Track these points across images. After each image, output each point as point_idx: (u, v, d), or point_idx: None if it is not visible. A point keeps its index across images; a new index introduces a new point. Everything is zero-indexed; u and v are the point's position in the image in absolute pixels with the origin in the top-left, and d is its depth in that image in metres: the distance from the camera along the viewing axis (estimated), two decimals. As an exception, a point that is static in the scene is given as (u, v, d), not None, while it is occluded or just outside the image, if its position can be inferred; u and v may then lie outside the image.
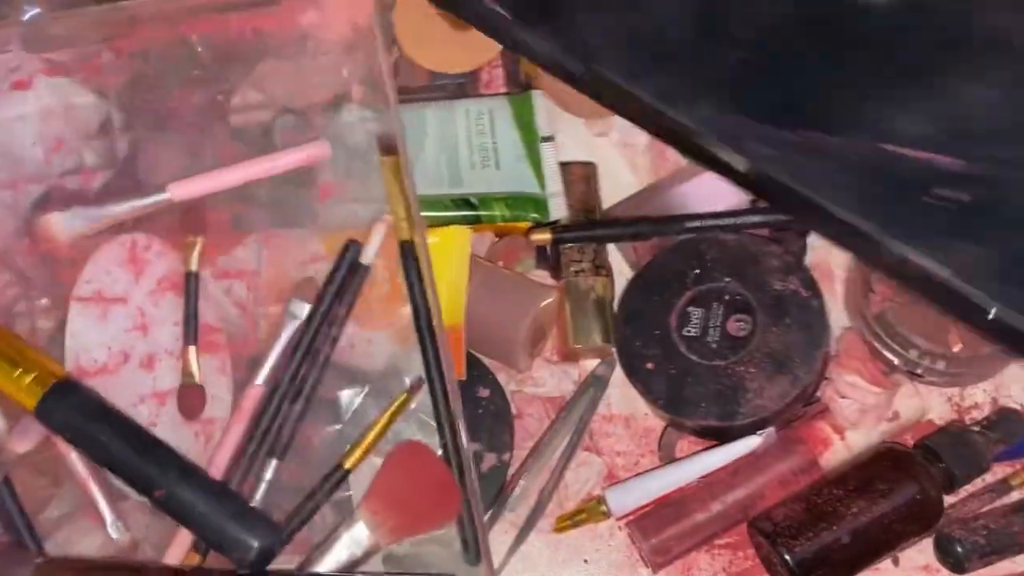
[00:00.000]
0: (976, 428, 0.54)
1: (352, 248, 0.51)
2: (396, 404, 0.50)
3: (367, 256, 0.51)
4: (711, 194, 0.57)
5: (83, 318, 0.50)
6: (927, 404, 0.55)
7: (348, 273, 0.51)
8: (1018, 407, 0.56)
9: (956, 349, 0.53)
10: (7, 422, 0.49)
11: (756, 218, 0.56)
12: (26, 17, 0.56)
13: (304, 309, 0.51)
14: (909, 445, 0.54)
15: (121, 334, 0.50)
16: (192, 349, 0.50)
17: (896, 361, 0.54)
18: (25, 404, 0.46)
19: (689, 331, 0.54)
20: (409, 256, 0.50)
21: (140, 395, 0.50)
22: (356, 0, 0.53)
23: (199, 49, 0.53)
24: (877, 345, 0.55)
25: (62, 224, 0.50)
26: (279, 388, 0.50)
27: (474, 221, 0.57)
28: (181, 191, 0.50)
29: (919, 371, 0.54)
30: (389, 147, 0.52)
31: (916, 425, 0.55)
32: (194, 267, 0.51)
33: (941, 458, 0.52)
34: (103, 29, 0.52)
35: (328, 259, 0.52)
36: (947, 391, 0.57)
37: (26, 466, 0.49)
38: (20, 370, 0.46)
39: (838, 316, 0.57)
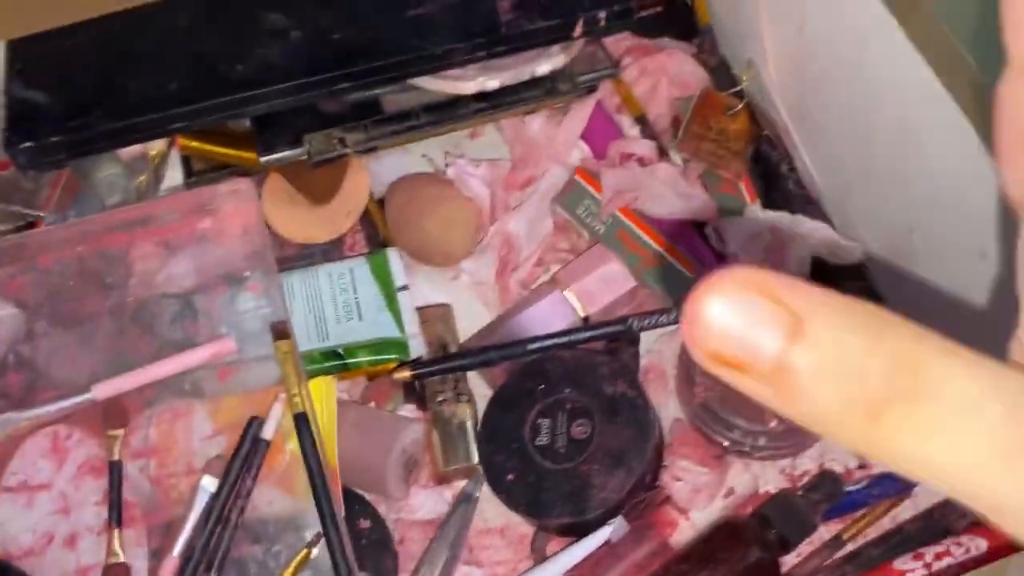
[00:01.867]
0: (800, 493, 0.61)
1: (254, 424, 0.57)
2: (297, 560, 0.55)
3: (267, 431, 0.57)
4: (547, 317, 0.66)
5: (10, 506, 0.56)
6: (761, 477, 0.62)
7: (251, 448, 0.57)
8: (841, 468, 0.64)
9: (772, 425, 0.61)
10: None
11: (586, 334, 0.64)
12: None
13: (213, 484, 0.56)
14: (746, 516, 0.61)
15: (45, 517, 0.56)
16: (117, 532, 0.55)
17: (725, 443, 0.62)
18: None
19: (541, 440, 0.61)
20: (304, 426, 0.57)
21: (64, 572, 0.55)
22: (244, 208, 0.62)
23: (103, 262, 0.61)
24: (706, 431, 0.62)
25: (-4, 428, 0.57)
26: (193, 558, 0.55)
27: (343, 369, 0.64)
28: (104, 390, 0.57)
29: (747, 449, 0.62)
30: (281, 332, 0.59)
31: (752, 497, 0.62)
32: (116, 456, 0.57)
33: (772, 523, 0.59)
34: (17, 252, 0.59)
35: (224, 431, 0.58)
36: (780, 463, 0.64)
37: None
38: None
39: (673, 409, 0.65)
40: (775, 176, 0.72)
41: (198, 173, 0.74)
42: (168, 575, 0.55)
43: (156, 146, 0.73)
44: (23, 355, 0.59)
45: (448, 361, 0.64)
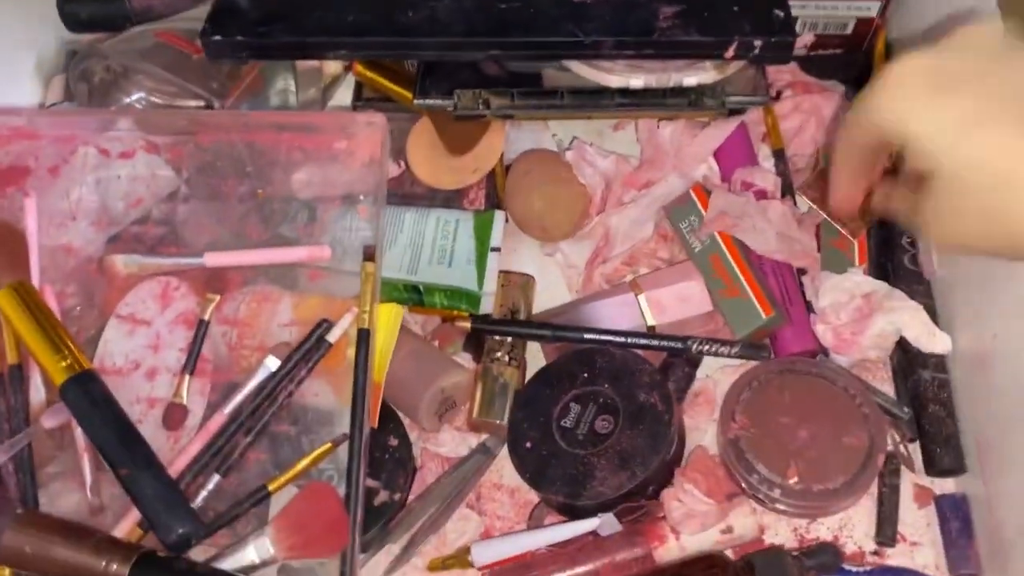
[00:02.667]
0: (795, 554, 0.60)
1: (323, 326, 0.65)
2: (320, 451, 0.62)
3: (333, 335, 0.64)
4: (614, 314, 0.68)
5: (116, 331, 0.67)
6: (772, 528, 0.63)
7: (315, 345, 0.64)
8: (855, 548, 0.62)
9: (791, 481, 0.61)
10: (46, 395, 0.65)
11: (642, 341, 0.66)
12: (133, 98, 0.76)
13: (275, 364, 0.64)
14: (734, 558, 0.62)
15: (138, 348, 0.66)
16: (187, 377, 0.65)
17: (743, 484, 0.62)
18: (56, 381, 0.62)
19: (565, 422, 0.64)
20: (363, 342, 0.64)
21: (138, 396, 0.65)
22: (374, 137, 0.69)
23: (249, 153, 0.70)
24: (728, 467, 0.63)
25: (122, 263, 0.68)
26: (238, 420, 0.63)
27: (417, 303, 0.70)
28: (213, 260, 0.67)
29: (761, 496, 0.62)
30: (369, 255, 0.66)
31: (751, 543, 0.62)
32: (207, 317, 0.66)
33: (755, 572, 0.59)
34: (187, 125, 0.70)
35: (300, 324, 0.66)
36: (794, 521, 0.64)
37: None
38: (60, 355, 0.62)
39: (710, 437, 0.66)
40: (893, 246, 0.70)
41: (366, 100, 0.82)
42: (214, 426, 0.63)
43: (332, 68, 0.82)
44: (165, 213, 0.69)
45: (506, 326, 0.68)
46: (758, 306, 0.67)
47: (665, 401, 0.63)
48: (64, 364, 0.61)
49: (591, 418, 0.64)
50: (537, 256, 0.75)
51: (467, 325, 0.68)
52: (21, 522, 0.57)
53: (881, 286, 0.67)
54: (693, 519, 0.60)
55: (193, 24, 0.76)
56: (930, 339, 0.64)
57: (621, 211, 0.73)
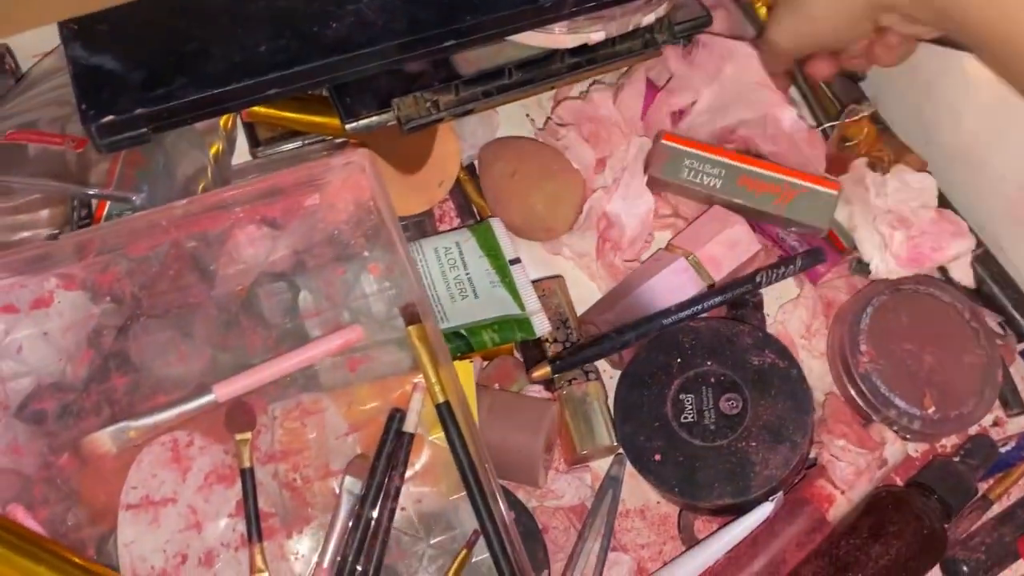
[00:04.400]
0: (957, 459, 0.59)
1: (396, 418, 0.52)
2: (457, 562, 0.51)
3: (410, 424, 0.52)
4: (672, 287, 0.62)
5: (134, 525, 0.50)
6: (907, 444, 0.61)
7: (396, 443, 0.52)
8: (975, 429, 0.62)
9: (930, 411, 0.58)
10: None
11: (718, 298, 0.61)
12: (16, 237, 0.57)
13: (358, 485, 0.51)
14: (899, 484, 0.59)
15: (176, 535, 0.50)
16: (259, 546, 0.50)
17: (875, 417, 0.59)
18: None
19: (686, 417, 0.58)
20: (448, 417, 0.52)
21: (200, 593, 0.50)
22: (355, 181, 0.56)
23: (203, 246, 0.55)
24: (860, 402, 0.59)
25: (109, 440, 0.51)
26: (347, 569, 0.49)
27: (467, 351, 0.60)
28: (226, 390, 0.51)
29: (896, 429, 0.59)
30: (412, 316, 0.54)
31: (903, 463, 0.60)
32: (247, 464, 0.51)
33: (935, 492, 0.57)
34: (106, 243, 0.53)
35: (362, 427, 0.53)
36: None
37: None
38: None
39: (813, 382, 0.62)
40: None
41: (265, 142, 0.68)
42: (320, 587, 0.50)
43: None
44: (123, 355, 0.53)
45: (585, 350, 0.60)
46: (825, 189, 0.62)
47: (782, 354, 0.58)
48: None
49: (712, 403, 0.58)
50: (545, 257, 0.67)
51: (546, 372, 0.59)
52: None
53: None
54: (861, 476, 0.57)
55: (39, 114, 0.59)
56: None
57: (610, 195, 0.66)
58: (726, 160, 0.63)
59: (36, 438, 0.51)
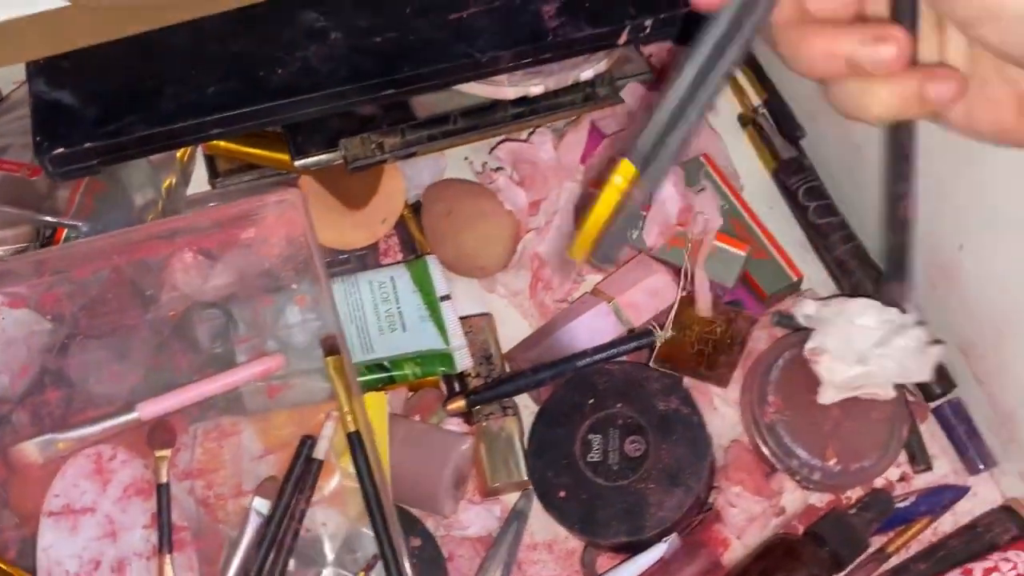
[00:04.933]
0: (853, 511, 0.61)
1: (307, 445, 0.56)
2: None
3: (320, 451, 0.56)
4: (592, 330, 0.65)
5: (54, 531, 0.54)
6: (808, 494, 0.63)
7: (304, 468, 0.55)
8: (882, 482, 0.64)
9: (831, 463, 0.60)
10: None
11: (633, 344, 0.64)
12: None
13: (266, 506, 0.54)
14: (798, 531, 0.61)
15: (91, 543, 0.54)
16: (168, 557, 0.53)
17: (779, 467, 0.61)
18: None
19: (592, 457, 0.60)
20: (357, 446, 0.55)
21: (111, 600, 0.53)
22: (289, 217, 0.60)
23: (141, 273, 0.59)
24: (764, 451, 0.62)
25: (36, 451, 0.55)
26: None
27: (388, 382, 0.63)
28: (149, 410, 0.55)
29: (799, 479, 0.61)
30: (332, 347, 0.57)
31: (802, 513, 0.62)
32: (164, 479, 0.54)
33: (826, 542, 0.59)
34: (53, 265, 0.57)
35: (275, 451, 0.56)
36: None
37: None
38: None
39: (724, 429, 0.64)
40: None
41: (224, 174, 0.72)
42: (222, 602, 0.53)
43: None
44: (59, 371, 0.57)
45: (500, 386, 0.63)
46: (734, 249, 0.65)
47: (686, 402, 0.61)
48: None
49: (618, 444, 0.60)
50: (479, 294, 0.70)
51: (460, 405, 0.62)
52: None
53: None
54: (754, 522, 0.59)
55: (12, 140, 0.63)
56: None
57: (542, 235, 0.69)
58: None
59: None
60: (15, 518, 0.54)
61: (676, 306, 0.63)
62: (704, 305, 0.63)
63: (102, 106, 0.60)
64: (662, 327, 0.63)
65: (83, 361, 0.57)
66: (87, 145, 0.59)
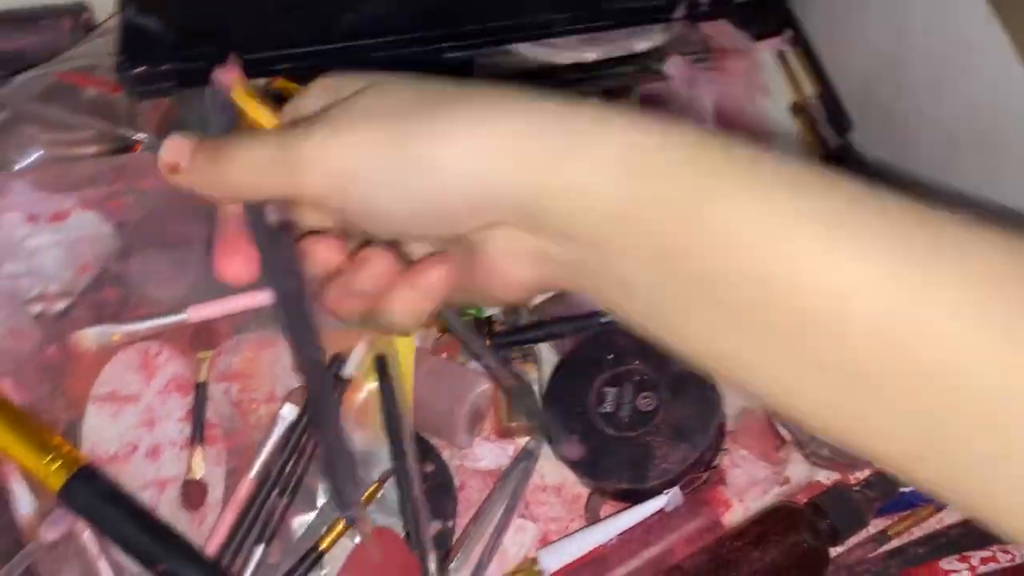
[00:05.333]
0: (857, 488, 0.62)
1: (336, 363, 0.60)
2: (368, 492, 0.58)
3: (348, 370, 0.59)
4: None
5: (98, 415, 0.59)
6: (815, 469, 0.64)
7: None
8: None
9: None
10: (36, 505, 0.56)
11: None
12: (30, 160, 0.67)
13: (293, 413, 0.58)
14: (800, 503, 0.63)
15: (131, 428, 0.58)
16: (199, 449, 0.58)
17: (787, 439, 0.63)
18: (51, 486, 0.53)
19: (605, 408, 0.63)
20: (384, 370, 0.59)
21: (144, 482, 0.58)
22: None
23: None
24: (775, 420, 0.63)
25: (92, 339, 0.59)
26: (269, 481, 0.57)
27: (420, 320, 0.66)
28: (197, 313, 0.59)
29: (807, 452, 0.63)
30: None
31: (806, 487, 0.63)
32: (203, 378, 0.59)
33: (826, 514, 0.60)
34: (119, 173, 0.62)
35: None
36: (835, 455, 0.65)
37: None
38: (48, 455, 0.53)
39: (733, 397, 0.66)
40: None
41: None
42: (244, 494, 0.57)
43: (258, 82, 0.75)
44: (119, 273, 0.62)
45: (523, 333, 0.66)
46: None
47: (702, 366, 0.63)
48: (56, 465, 0.53)
49: (630, 398, 0.63)
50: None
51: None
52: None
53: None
54: (755, 486, 0.61)
55: (100, 61, 0.68)
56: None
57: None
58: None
59: (36, 328, 0.60)
60: (65, 401, 0.59)
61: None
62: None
63: (182, 34, 0.65)
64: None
65: (142, 266, 0.62)
66: (164, 67, 0.63)
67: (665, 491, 0.61)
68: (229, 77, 0.34)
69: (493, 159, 0.29)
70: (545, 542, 0.63)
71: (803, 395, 0.28)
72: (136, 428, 0.58)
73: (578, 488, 0.65)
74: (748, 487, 0.60)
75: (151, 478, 0.57)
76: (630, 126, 0.28)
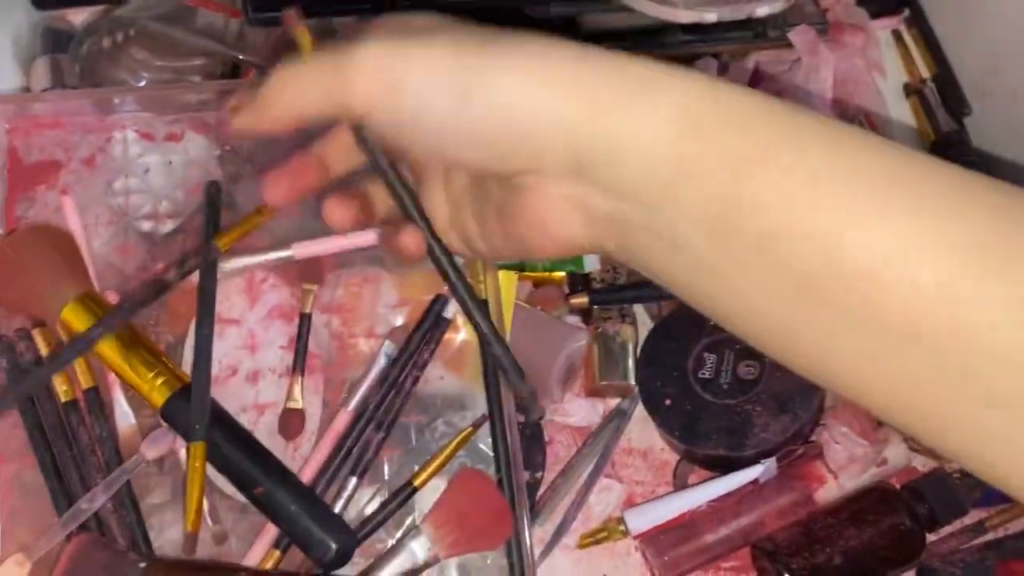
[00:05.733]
0: (957, 475, 0.60)
1: (439, 302, 0.59)
2: (461, 436, 0.57)
3: (450, 311, 0.59)
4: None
5: (202, 336, 0.58)
6: (912, 454, 0.62)
7: (433, 324, 0.59)
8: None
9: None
10: (135, 419, 0.56)
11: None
12: (143, 81, 0.67)
13: (393, 350, 0.58)
14: (899, 486, 0.61)
15: (232, 351, 0.58)
16: (300, 379, 0.57)
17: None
18: (154, 403, 0.53)
19: (704, 374, 0.62)
20: (484, 313, 0.58)
21: (243, 405, 0.57)
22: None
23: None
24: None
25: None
26: (365, 416, 0.56)
27: (519, 270, 0.65)
28: (303, 251, 0.59)
29: (905, 436, 0.61)
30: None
31: (904, 471, 0.62)
32: (308, 310, 0.58)
33: (925, 499, 0.59)
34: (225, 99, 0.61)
35: (409, 304, 0.60)
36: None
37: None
38: (154, 372, 0.53)
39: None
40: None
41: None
42: (341, 426, 0.57)
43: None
44: (230, 196, 0.61)
45: (621, 292, 0.65)
46: None
47: (807, 338, 0.61)
48: (161, 381, 0.54)
49: (731, 366, 0.61)
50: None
51: (583, 301, 0.64)
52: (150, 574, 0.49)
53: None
54: (854, 463, 0.59)
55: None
56: None
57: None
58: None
59: (142, 245, 0.60)
60: (169, 318, 0.59)
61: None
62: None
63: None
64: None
65: (251, 193, 0.61)
66: (286, -4, 0.63)
67: (760, 462, 0.59)
68: (291, 17, 0.34)
69: (548, 94, 0.28)
70: (630, 503, 0.63)
71: (846, 362, 0.28)
72: (238, 351, 0.58)
73: (666, 454, 0.64)
74: (846, 464, 0.59)
75: (250, 402, 0.57)
76: (688, 79, 0.28)
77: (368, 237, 0.61)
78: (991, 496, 0.61)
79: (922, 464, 0.63)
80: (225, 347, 0.58)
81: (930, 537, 0.60)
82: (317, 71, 0.31)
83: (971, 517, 0.61)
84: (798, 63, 0.72)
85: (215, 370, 0.57)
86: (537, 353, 0.62)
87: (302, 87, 0.32)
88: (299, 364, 0.57)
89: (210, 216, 0.59)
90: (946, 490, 0.59)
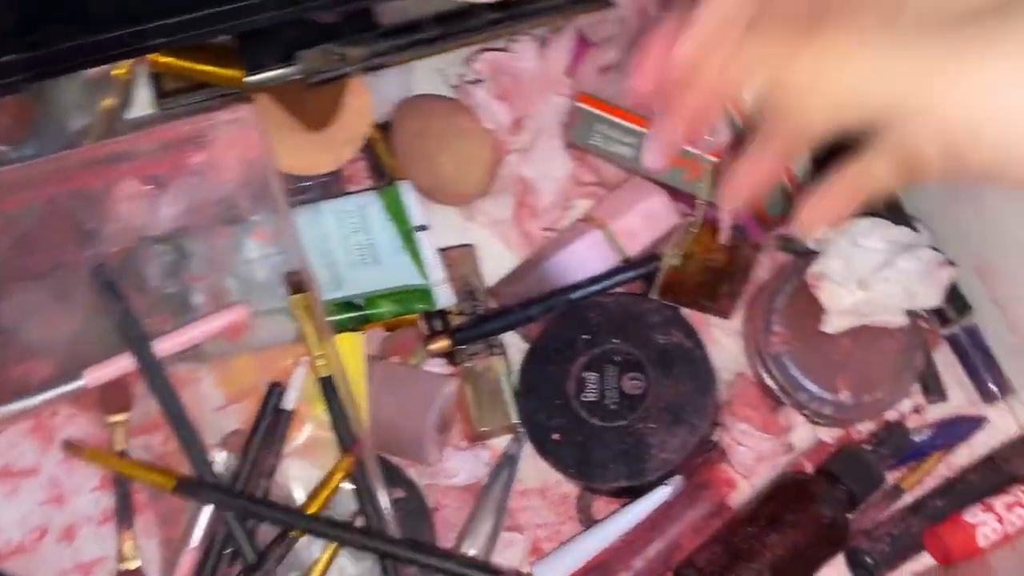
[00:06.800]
0: (868, 447, 0.57)
1: (275, 394, 0.51)
2: (332, 548, 0.49)
3: (289, 401, 0.50)
4: (584, 259, 0.59)
5: (-8, 497, 0.48)
6: (817, 429, 0.58)
7: (273, 420, 0.50)
8: (895, 415, 0.60)
9: (842, 396, 0.56)
10: None
11: (630, 273, 0.58)
12: None
13: (232, 462, 0.50)
14: (807, 470, 0.57)
15: (35, 508, 0.49)
16: (130, 532, 0.49)
17: (785, 400, 0.57)
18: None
19: (587, 396, 0.56)
20: (331, 392, 0.50)
21: (62, 570, 0.48)
22: (244, 138, 0.53)
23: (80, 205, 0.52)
24: (770, 384, 0.57)
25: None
26: (214, 549, 0.48)
27: (363, 322, 0.57)
28: (97, 375, 0.49)
29: (807, 413, 0.57)
30: (297, 285, 0.51)
31: (812, 450, 0.58)
32: (122, 446, 0.49)
33: (841, 480, 0.55)
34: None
35: (239, 399, 0.51)
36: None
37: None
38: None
39: (725, 362, 0.60)
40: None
41: (170, 93, 0.64)
42: (186, 570, 0.48)
43: (122, 63, 0.63)
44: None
45: (485, 323, 0.58)
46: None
47: (688, 335, 0.56)
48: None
49: (615, 382, 0.56)
50: (458, 222, 0.64)
51: (444, 345, 0.56)
52: None
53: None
54: (763, 461, 0.55)
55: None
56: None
57: (526, 159, 0.62)
58: (638, 128, 0.60)
59: None
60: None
61: (686, 232, 0.58)
62: (726, 232, 0.57)
63: (22, 12, 0.53)
64: (661, 257, 0.58)
65: (17, 304, 0.51)
66: (6, 59, 0.51)
67: (666, 481, 0.54)
68: None
69: None
70: (537, 553, 0.57)
71: None
72: (41, 507, 0.48)
73: (564, 486, 0.58)
74: (755, 465, 0.55)
75: (69, 565, 0.48)
76: None
77: (171, 343, 0.51)
78: (903, 458, 0.58)
79: (829, 436, 0.59)
80: (24, 506, 0.48)
81: (850, 516, 0.56)
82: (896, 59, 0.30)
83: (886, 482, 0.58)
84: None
85: (18, 536, 0.47)
86: (403, 413, 0.55)
87: (868, 71, 0.31)
88: (124, 517, 0.48)
89: None
90: (859, 465, 0.56)
